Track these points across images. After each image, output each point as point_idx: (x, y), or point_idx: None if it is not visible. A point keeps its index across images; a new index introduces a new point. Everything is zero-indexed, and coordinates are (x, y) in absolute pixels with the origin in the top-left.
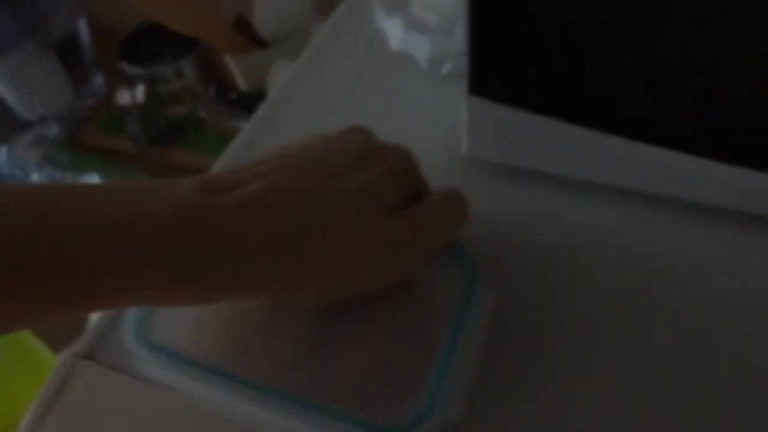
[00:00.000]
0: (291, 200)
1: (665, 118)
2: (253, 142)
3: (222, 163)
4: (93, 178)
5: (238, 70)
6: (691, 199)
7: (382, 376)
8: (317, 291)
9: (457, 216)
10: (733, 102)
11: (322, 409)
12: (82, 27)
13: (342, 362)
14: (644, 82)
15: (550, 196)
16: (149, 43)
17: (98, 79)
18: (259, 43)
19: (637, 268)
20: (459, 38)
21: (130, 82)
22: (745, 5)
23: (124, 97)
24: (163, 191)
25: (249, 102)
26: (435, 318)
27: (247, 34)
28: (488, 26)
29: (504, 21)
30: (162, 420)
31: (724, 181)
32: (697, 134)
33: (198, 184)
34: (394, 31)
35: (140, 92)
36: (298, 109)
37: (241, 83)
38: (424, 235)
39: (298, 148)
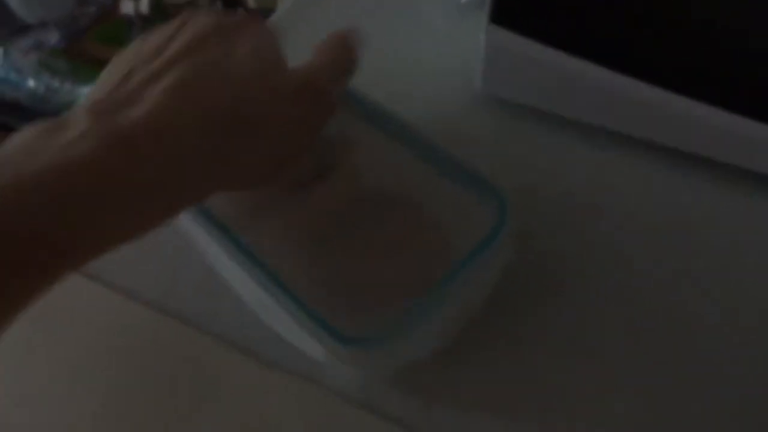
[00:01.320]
0: (200, 92)
1: (684, 64)
2: None
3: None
4: (88, 89)
5: None
6: (700, 152)
7: (368, 287)
8: (256, 173)
9: (342, 65)
10: (749, 53)
11: (295, 301)
12: None
13: (339, 262)
14: (665, 27)
15: (559, 139)
16: None
17: None
18: None
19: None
20: None
21: None
22: None
23: (127, 7)
24: (66, 132)
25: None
26: (448, 247)
27: None
28: None
29: None
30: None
31: (737, 133)
32: (710, 83)
33: (92, 112)
34: None
35: (145, 3)
36: (306, 29)
37: (252, 1)
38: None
39: (158, 42)
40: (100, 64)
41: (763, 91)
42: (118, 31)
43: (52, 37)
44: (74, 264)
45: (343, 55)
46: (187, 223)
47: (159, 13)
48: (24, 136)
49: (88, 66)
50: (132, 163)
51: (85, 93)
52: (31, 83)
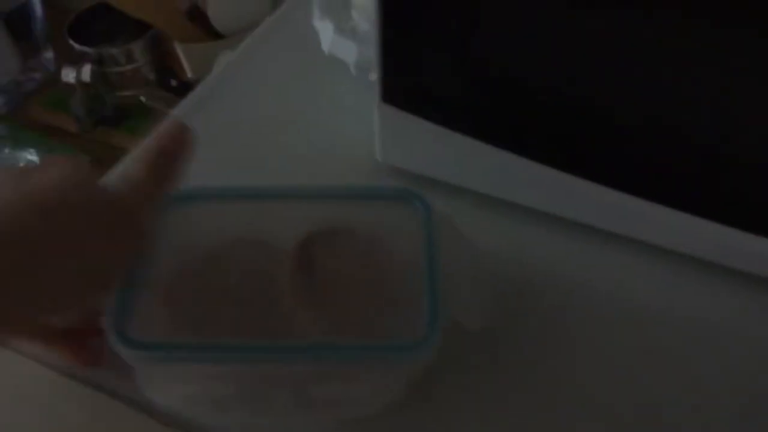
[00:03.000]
0: None
1: (562, 139)
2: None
3: (143, 147)
4: (31, 155)
5: (185, 57)
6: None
7: (374, 310)
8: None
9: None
10: (624, 129)
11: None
12: (35, 0)
13: (331, 312)
14: (541, 103)
15: (460, 206)
16: (102, 24)
17: (48, 55)
18: (213, 34)
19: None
20: None
21: (78, 61)
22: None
23: (69, 75)
24: None
25: (189, 89)
26: (407, 258)
27: (199, 24)
28: (396, 38)
29: (411, 35)
30: None
31: (604, 203)
32: (595, 159)
33: None
34: (325, 33)
35: (86, 71)
36: (227, 98)
37: (188, 71)
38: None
39: None
40: (43, 129)
41: (625, 161)
42: (62, 96)
43: None
44: None
45: (162, 166)
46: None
47: (100, 80)
48: None
49: (30, 131)
50: None
51: (25, 158)
52: None
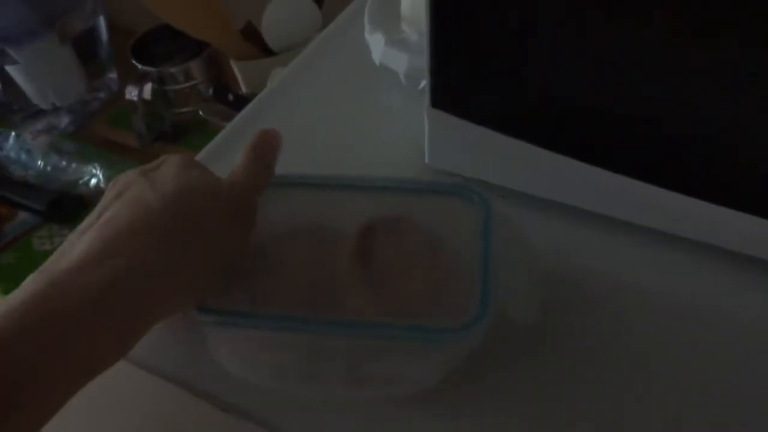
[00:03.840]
0: (124, 218)
1: (606, 140)
2: (236, 140)
3: (203, 156)
4: (95, 169)
5: (241, 74)
6: (641, 223)
7: (428, 297)
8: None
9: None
10: (671, 131)
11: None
12: (101, 24)
13: (385, 295)
14: (588, 108)
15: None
16: (163, 45)
17: (112, 75)
18: (267, 51)
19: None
20: None
21: (140, 80)
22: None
23: (131, 93)
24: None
25: (245, 103)
26: (463, 250)
27: (253, 42)
28: (448, 46)
29: (461, 42)
30: None
31: (665, 206)
32: (640, 160)
33: (37, 271)
34: (376, 45)
35: (147, 89)
36: (281, 111)
37: (243, 86)
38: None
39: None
40: (106, 144)
41: (681, 161)
42: (124, 114)
43: (63, 121)
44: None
45: (263, 157)
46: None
47: (160, 98)
48: None
49: (95, 147)
50: (66, 298)
51: (90, 172)
52: (39, 163)
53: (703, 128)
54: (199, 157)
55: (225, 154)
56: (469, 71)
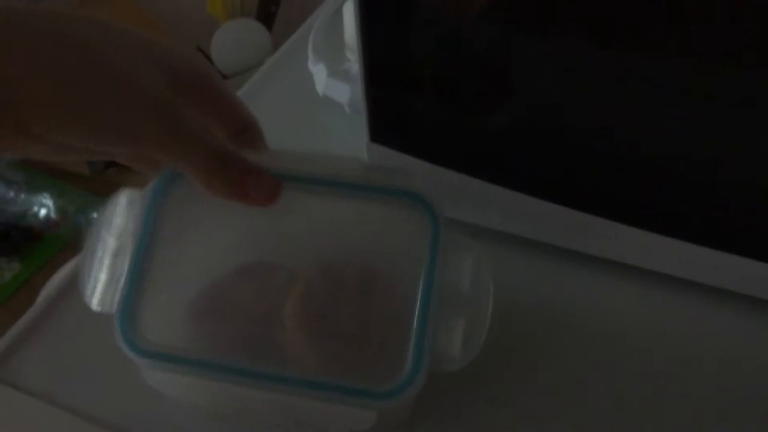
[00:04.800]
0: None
1: (547, 171)
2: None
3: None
4: (46, 199)
5: None
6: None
7: (362, 343)
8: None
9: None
10: (592, 152)
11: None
12: None
13: (324, 335)
14: (526, 139)
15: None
16: None
17: None
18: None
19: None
20: None
21: None
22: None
23: None
24: None
25: None
26: (407, 273)
27: None
28: (381, 79)
29: (395, 75)
30: None
31: (594, 232)
32: (582, 190)
33: None
34: (319, 75)
35: None
36: None
37: None
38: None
39: None
40: (57, 172)
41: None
42: None
43: None
44: None
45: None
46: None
47: None
48: None
49: (44, 176)
50: None
51: (40, 202)
52: None
53: (623, 146)
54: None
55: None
56: (405, 105)
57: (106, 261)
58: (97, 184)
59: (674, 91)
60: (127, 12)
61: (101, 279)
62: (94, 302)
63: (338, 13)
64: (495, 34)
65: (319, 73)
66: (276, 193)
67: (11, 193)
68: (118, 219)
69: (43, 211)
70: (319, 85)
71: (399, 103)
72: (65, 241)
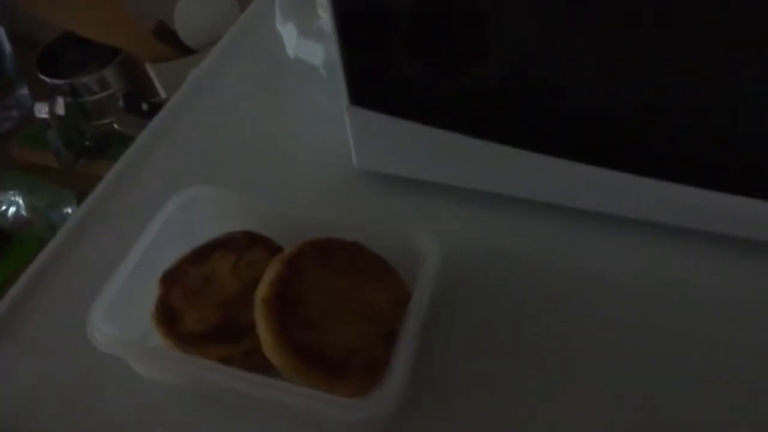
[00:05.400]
0: None
1: (538, 123)
2: (152, 146)
3: (119, 170)
4: (14, 196)
5: (157, 78)
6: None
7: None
8: None
9: None
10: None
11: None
12: (2, 37)
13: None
14: (520, 90)
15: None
16: (72, 54)
17: (22, 91)
18: (186, 49)
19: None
20: None
21: (50, 95)
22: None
23: (42, 110)
24: None
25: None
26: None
27: (169, 42)
28: (358, 34)
29: (373, 29)
30: None
31: (579, 181)
32: (578, 141)
33: None
34: (289, 36)
35: (59, 104)
36: (196, 113)
37: (162, 91)
38: None
39: None
40: (25, 167)
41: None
42: (39, 133)
43: None
44: None
45: None
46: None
47: (76, 112)
48: None
49: (12, 171)
50: None
51: (9, 199)
52: None
53: (619, 96)
54: (114, 173)
55: (141, 168)
56: (386, 60)
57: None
58: (68, 178)
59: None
60: None
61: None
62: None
63: None
64: None
65: (288, 33)
66: None
67: None
68: None
69: (12, 210)
70: (290, 47)
71: (379, 59)
72: (40, 240)
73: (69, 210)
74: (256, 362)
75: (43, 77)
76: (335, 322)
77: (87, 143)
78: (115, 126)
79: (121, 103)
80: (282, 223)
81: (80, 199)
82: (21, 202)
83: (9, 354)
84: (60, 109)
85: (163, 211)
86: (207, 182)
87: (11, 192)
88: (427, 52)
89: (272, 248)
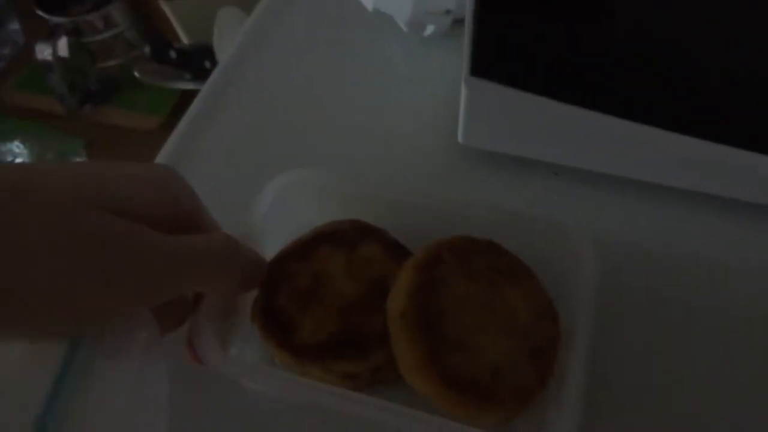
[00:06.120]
0: None
1: (665, 100)
2: (210, 113)
3: (180, 134)
4: (18, 148)
5: (176, 19)
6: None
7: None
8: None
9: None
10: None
11: None
12: None
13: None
14: (643, 63)
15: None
16: None
17: (14, 27)
18: None
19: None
20: None
21: (52, 33)
22: None
23: (44, 52)
24: None
25: (191, 60)
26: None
27: None
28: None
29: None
30: None
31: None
32: (692, 115)
33: None
34: None
35: (63, 45)
36: (256, 75)
37: (182, 34)
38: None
39: None
40: (26, 114)
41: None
42: (39, 75)
43: None
44: None
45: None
46: None
47: (81, 54)
48: None
49: (11, 119)
50: None
51: (13, 151)
52: None
53: None
54: (178, 132)
55: (202, 131)
56: (524, 29)
57: None
58: (73, 124)
59: None
60: None
61: None
62: None
63: None
64: None
65: None
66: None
67: None
68: None
69: (17, 162)
70: None
71: (515, 25)
72: None
73: (78, 160)
74: (384, 379)
75: (41, 13)
76: (480, 340)
77: (92, 87)
78: (136, 74)
79: (147, 50)
80: (392, 211)
81: (88, 147)
82: (26, 152)
83: None
84: (63, 50)
85: (261, 200)
86: (276, 150)
87: (14, 142)
88: (558, 20)
89: (386, 242)
